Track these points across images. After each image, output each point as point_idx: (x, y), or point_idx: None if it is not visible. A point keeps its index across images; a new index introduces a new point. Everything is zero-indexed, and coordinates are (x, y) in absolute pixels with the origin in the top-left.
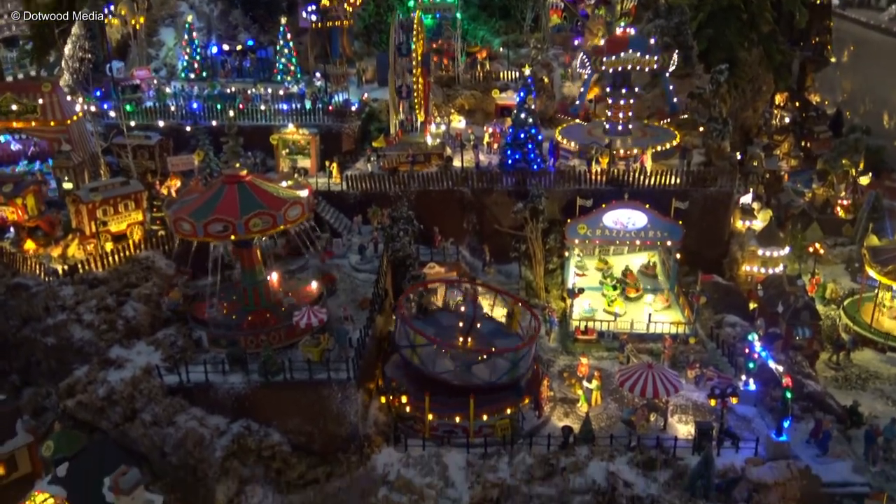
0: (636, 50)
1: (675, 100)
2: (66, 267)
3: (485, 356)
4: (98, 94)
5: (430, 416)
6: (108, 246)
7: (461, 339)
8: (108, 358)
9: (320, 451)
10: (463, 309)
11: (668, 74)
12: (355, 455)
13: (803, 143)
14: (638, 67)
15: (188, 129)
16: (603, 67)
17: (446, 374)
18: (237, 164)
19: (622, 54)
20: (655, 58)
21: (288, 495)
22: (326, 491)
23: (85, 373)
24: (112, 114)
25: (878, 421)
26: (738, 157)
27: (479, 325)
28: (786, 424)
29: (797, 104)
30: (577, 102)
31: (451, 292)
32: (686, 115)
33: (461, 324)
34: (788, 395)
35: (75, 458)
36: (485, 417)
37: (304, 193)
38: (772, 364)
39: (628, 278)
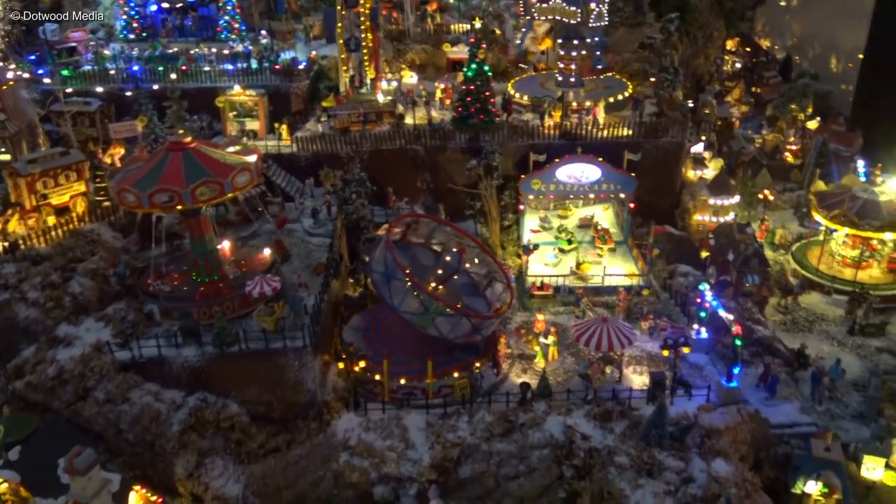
0: None
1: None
2: (6, 244)
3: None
4: (32, 58)
5: (401, 380)
6: (51, 220)
7: (434, 284)
8: (56, 336)
9: (280, 420)
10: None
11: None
12: (315, 422)
13: (754, 89)
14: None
15: (129, 93)
16: None
17: (408, 314)
18: (181, 131)
19: None
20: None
21: (249, 465)
22: (287, 459)
23: (33, 353)
24: (47, 80)
25: (824, 362)
26: (691, 104)
27: (455, 277)
28: (736, 371)
29: (748, 49)
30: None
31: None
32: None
33: (439, 270)
34: (738, 342)
35: (27, 441)
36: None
37: (251, 158)
38: (722, 313)
39: (600, 232)
